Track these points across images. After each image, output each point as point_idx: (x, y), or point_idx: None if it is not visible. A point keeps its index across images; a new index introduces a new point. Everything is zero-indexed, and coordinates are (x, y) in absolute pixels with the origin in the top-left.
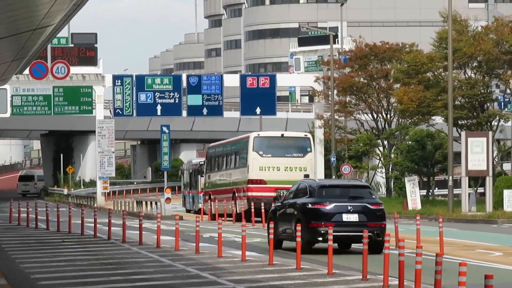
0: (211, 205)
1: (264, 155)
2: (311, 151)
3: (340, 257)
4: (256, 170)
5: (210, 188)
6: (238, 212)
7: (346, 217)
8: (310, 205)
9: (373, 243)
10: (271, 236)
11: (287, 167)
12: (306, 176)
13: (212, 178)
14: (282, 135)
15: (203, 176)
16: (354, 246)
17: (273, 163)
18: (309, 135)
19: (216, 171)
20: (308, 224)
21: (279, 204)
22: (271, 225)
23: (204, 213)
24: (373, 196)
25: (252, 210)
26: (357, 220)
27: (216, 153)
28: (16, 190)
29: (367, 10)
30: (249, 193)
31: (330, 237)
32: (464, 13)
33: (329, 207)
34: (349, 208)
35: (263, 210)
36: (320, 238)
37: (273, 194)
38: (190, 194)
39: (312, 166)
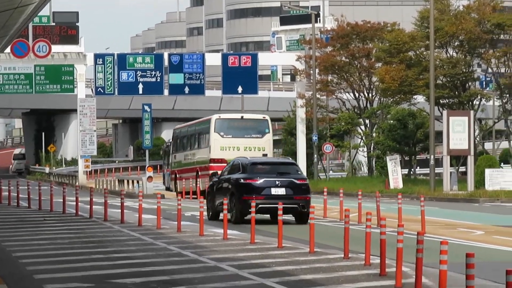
0: (177, 183)
1: (225, 136)
2: (269, 132)
3: (321, 236)
4: (217, 150)
5: (176, 167)
6: (202, 189)
7: (274, 191)
8: (242, 180)
9: (299, 214)
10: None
11: (246, 147)
12: (265, 155)
13: (178, 158)
14: (242, 117)
15: None
16: (285, 217)
17: (233, 143)
18: (267, 117)
19: (181, 151)
20: (241, 197)
21: (216, 179)
22: (210, 198)
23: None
24: (299, 172)
25: None
26: (284, 193)
27: (181, 134)
28: (1, 169)
29: None
30: (211, 172)
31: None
32: None
33: (259, 182)
34: (277, 182)
35: None
36: (251, 209)
37: None
38: (168, 173)
39: (270, 146)
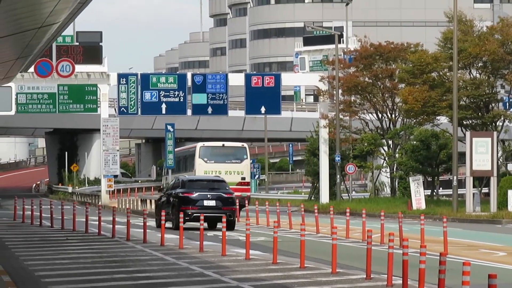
0: None
1: (208, 161)
2: (247, 158)
3: (344, 256)
4: (201, 173)
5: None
6: None
7: (206, 203)
8: (181, 194)
9: (228, 222)
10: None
11: (227, 171)
12: (243, 178)
13: (169, 179)
14: (223, 145)
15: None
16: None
17: (215, 168)
18: (245, 145)
19: (173, 174)
20: (179, 207)
21: (163, 194)
22: (157, 210)
23: None
24: (227, 188)
25: None
26: (214, 205)
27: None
28: (25, 188)
29: (372, 10)
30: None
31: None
32: (469, 13)
33: (194, 195)
34: (208, 196)
35: None
36: (188, 218)
37: None
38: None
39: (248, 170)
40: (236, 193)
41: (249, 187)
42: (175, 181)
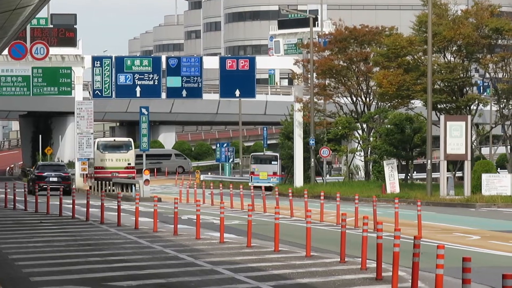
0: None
1: (103, 151)
2: (132, 149)
3: (318, 240)
4: (99, 161)
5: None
6: (90, 185)
7: (52, 179)
8: (36, 173)
9: (64, 191)
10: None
11: (117, 159)
12: (129, 164)
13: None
14: (115, 139)
15: None
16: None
17: (108, 156)
18: (131, 140)
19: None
20: (35, 181)
21: (30, 174)
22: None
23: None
24: (65, 170)
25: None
26: (56, 180)
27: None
28: None
29: None
30: (96, 175)
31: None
32: None
33: (44, 174)
34: (53, 174)
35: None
36: (39, 188)
37: (109, 175)
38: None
39: (133, 158)
40: (123, 175)
41: (134, 170)
42: (36, 165)
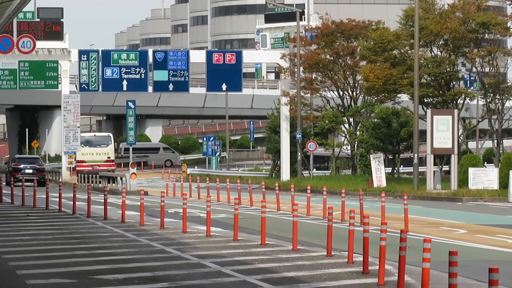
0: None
1: (84, 146)
2: (111, 144)
3: (304, 233)
4: (80, 155)
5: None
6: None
7: (27, 171)
8: (13, 165)
9: (39, 182)
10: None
11: (97, 153)
12: (109, 157)
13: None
14: (95, 135)
15: None
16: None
17: (89, 151)
18: (110, 134)
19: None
20: (12, 173)
21: (8, 166)
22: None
23: None
24: (40, 162)
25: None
26: (31, 172)
27: None
28: None
29: None
30: (78, 168)
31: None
32: None
33: (20, 166)
34: (28, 167)
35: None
36: (16, 179)
37: (90, 168)
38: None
39: (112, 152)
40: (103, 168)
41: (113, 163)
42: (12, 158)
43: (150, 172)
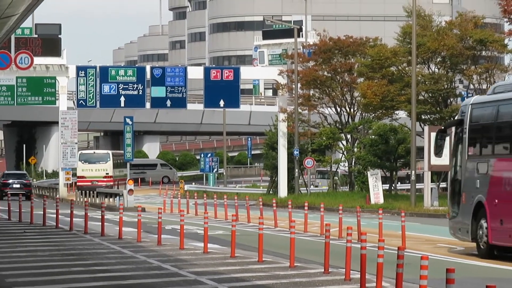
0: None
1: (84, 163)
2: (110, 160)
3: (302, 250)
4: (80, 171)
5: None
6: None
7: (15, 186)
8: (2, 180)
9: (26, 196)
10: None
11: (97, 169)
12: (107, 173)
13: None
14: (94, 152)
15: None
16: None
17: (89, 167)
18: (109, 152)
19: None
20: (1, 188)
21: None
22: None
23: None
24: (26, 177)
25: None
26: (19, 187)
27: None
28: None
29: (332, 4)
30: (78, 184)
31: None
32: (428, 8)
33: (9, 181)
34: (16, 181)
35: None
36: (4, 194)
37: (90, 184)
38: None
39: (111, 168)
40: (102, 183)
41: (111, 178)
42: (2, 174)
43: (148, 189)
